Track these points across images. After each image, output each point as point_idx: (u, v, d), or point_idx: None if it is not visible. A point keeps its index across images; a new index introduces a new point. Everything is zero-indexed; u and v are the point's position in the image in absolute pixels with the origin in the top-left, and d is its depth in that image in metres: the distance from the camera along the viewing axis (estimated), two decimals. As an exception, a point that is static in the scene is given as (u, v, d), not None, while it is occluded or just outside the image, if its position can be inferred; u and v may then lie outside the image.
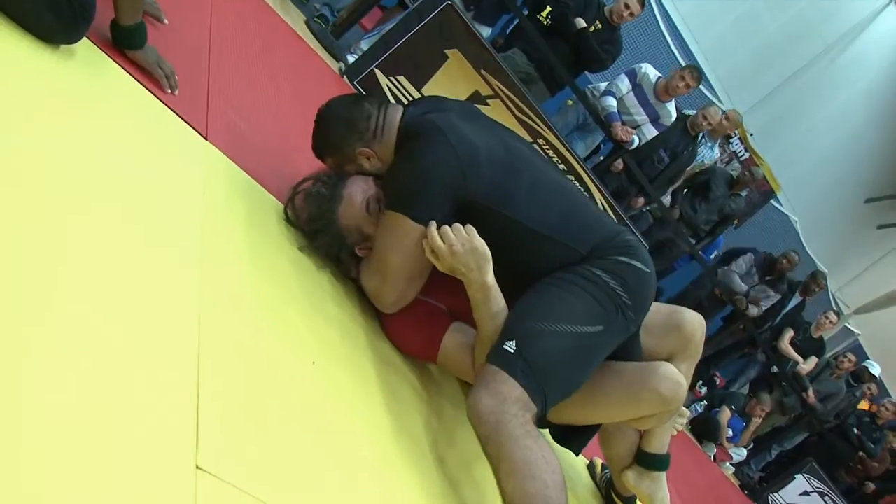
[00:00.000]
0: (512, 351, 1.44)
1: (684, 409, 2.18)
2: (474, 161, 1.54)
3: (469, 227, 1.54)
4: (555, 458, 1.36)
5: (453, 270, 1.55)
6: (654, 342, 1.81)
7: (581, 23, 4.64)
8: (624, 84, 5.11)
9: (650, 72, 5.16)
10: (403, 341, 1.73)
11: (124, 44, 1.59)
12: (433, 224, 1.54)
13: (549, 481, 1.31)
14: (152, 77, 1.62)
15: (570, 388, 1.53)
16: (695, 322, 1.85)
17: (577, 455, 1.96)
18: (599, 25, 4.76)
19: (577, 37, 4.67)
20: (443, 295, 1.72)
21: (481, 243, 1.53)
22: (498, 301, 1.55)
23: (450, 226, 1.53)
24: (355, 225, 1.65)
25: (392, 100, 3.74)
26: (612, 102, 5.06)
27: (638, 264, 1.60)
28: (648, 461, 1.92)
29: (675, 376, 1.64)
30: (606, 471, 2.24)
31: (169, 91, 1.63)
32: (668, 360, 1.80)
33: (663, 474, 1.95)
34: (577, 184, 4.26)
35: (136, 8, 1.57)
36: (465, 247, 1.52)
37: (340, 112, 1.69)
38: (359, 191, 1.65)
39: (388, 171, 1.66)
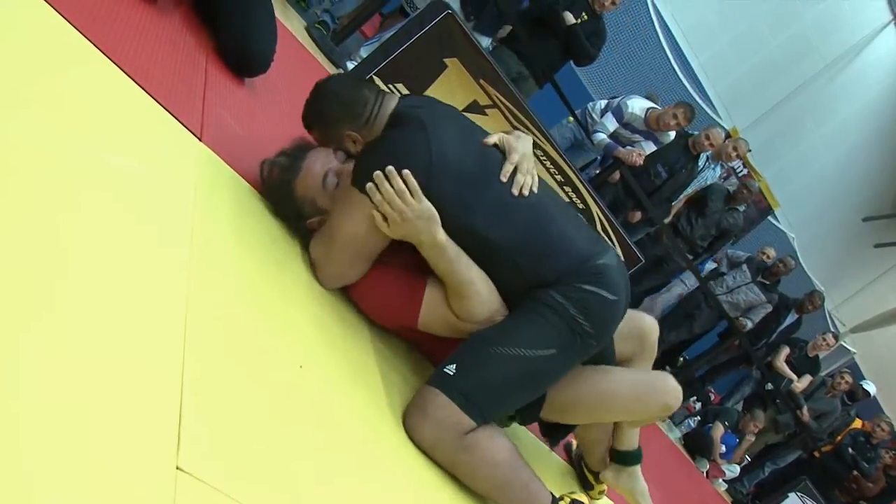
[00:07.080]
0: (451, 374, 1.51)
1: None
2: (442, 170, 1.55)
3: (413, 188, 1.51)
4: (496, 443, 1.51)
5: (405, 236, 1.55)
6: (615, 346, 1.89)
7: (570, 19, 4.72)
8: (611, 123, 5.18)
9: (636, 108, 5.19)
10: (379, 309, 1.71)
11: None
12: (380, 176, 1.51)
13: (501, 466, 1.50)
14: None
15: (514, 407, 1.66)
16: (651, 326, 1.99)
17: (552, 447, 2.10)
18: (585, 17, 4.83)
19: (567, 33, 4.76)
20: (406, 255, 1.67)
21: (427, 205, 1.52)
22: (452, 247, 1.56)
23: (393, 188, 1.51)
24: (310, 197, 1.67)
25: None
26: (602, 137, 5.14)
27: (604, 293, 1.60)
28: (623, 458, 2.05)
29: (678, 390, 1.80)
30: (578, 448, 2.38)
31: None
32: (628, 361, 1.95)
33: (638, 468, 2.07)
34: (574, 195, 4.25)
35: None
36: (414, 212, 1.51)
37: (339, 92, 1.69)
38: (318, 163, 1.68)
39: (363, 148, 1.67)
